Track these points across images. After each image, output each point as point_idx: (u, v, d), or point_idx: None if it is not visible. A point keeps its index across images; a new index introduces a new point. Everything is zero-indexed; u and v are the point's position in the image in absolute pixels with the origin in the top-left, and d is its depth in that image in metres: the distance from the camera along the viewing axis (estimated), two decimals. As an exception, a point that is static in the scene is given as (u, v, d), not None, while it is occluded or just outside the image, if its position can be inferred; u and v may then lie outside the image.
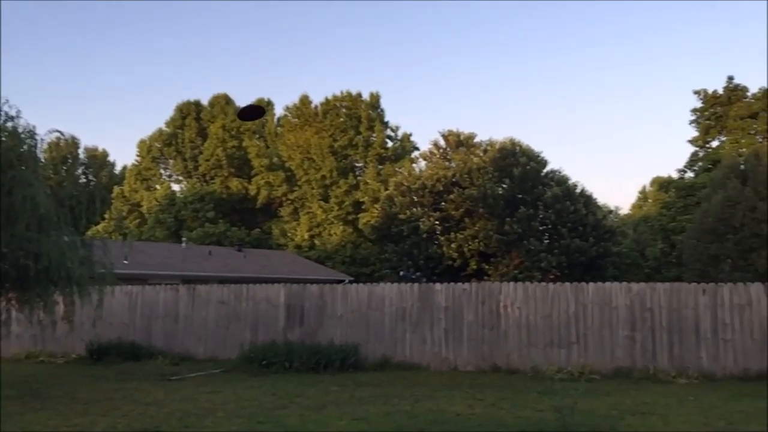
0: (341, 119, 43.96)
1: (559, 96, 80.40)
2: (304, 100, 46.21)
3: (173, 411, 10.16)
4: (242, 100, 61.47)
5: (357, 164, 44.26)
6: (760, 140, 33.42)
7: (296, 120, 46.10)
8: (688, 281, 17.42)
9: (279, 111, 51.10)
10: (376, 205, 36.54)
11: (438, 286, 16.74)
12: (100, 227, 38.50)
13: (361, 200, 41.25)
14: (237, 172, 48.45)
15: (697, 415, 9.84)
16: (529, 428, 8.51)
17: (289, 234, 43.50)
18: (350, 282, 25.45)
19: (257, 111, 8.02)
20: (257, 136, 49.53)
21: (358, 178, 43.30)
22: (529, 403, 10.83)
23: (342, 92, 44.95)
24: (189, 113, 50.68)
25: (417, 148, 44.73)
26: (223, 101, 50.75)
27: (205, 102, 51.56)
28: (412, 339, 16.27)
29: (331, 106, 44.81)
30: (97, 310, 12.70)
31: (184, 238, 36.90)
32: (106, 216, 42.78)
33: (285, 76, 79.06)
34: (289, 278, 26.50)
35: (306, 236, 42.07)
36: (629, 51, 73.68)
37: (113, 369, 15.58)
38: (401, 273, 30.96)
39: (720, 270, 23.99)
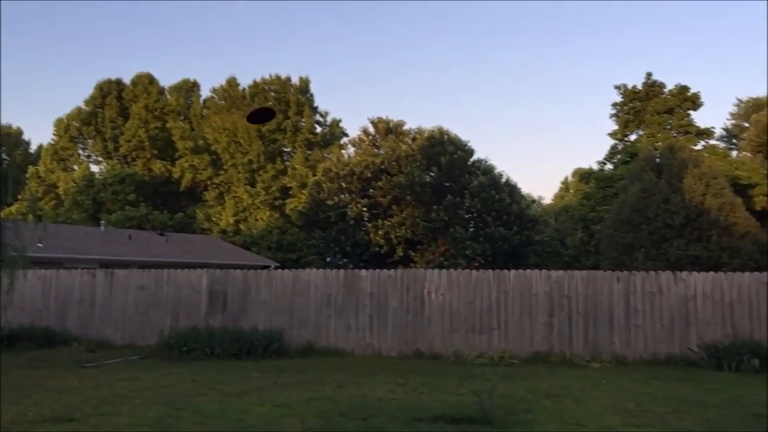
0: (269, 103, 43.31)
1: (487, 87, 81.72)
2: (232, 83, 45.30)
3: (88, 398, 9.80)
4: (166, 80, 59.73)
5: (285, 149, 43.76)
6: (675, 135, 34.91)
7: (223, 102, 45.17)
8: (605, 269, 18.08)
9: (205, 93, 49.96)
10: (303, 191, 36.30)
11: (364, 272, 16.76)
12: (13, 209, 36.72)
13: (288, 186, 40.86)
14: (160, 154, 47.10)
15: (608, 397, 10.21)
16: (448, 412, 8.62)
17: (213, 219, 42.67)
18: (276, 268, 25.23)
19: (267, 113, 7.42)
20: (182, 117, 48.27)
21: (286, 163, 42.85)
22: (450, 388, 11.00)
23: (271, 75, 44.34)
24: (110, 92, 48.83)
25: (346, 135, 44.62)
26: (146, 81, 49.11)
27: (127, 81, 49.80)
28: (336, 325, 16.26)
29: (259, 89, 44.11)
30: (8, 295, 12.10)
31: (102, 221, 35.65)
32: (20, 197, 40.84)
33: (212, 58, 77.27)
34: (213, 263, 26.00)
35: (231, 221, 41.37)
36: (555, 46, 75.55)
37: (25, 356, 14.93)
38: (328, 259, 30.86)
39: (634, 259, 25.01)
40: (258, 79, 44.34)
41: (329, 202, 31.01)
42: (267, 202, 41.14)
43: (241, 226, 40.95)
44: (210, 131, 44.47)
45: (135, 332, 16.95)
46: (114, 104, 48.18)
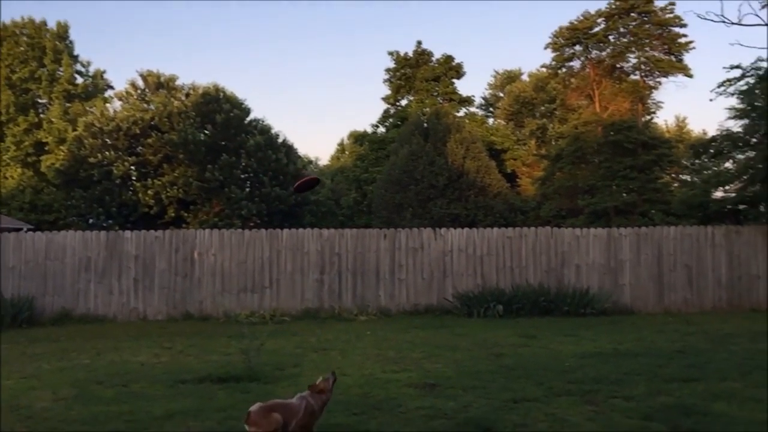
0: (21, 48, 38.67)
1: (265, 47, 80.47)
2: (-27, 22, 39.65)
3: None
4: None
5: (40, 100, 39.45)
6: (441, 102, 37.21)
7: (-38, 44, 39.42)
8: (377, 228, 18.93)
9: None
10: (62, 147, 33.08)
11: (128, 233, 15.85)
12: None
13: (44, 141, 37.01)
14: None
15: (372, 347, 10.76)
16: (215, 372, 8.50)
17: (-47, 176, 37.50)
18: (29, 231, 22.83)
19: (313, 182, 7.78)
20: None
21: (41, 116, 38.72)
22: (219, 348, 10.87)
23: (23, 18, 39.48)
24: None
25: (111, 87, 41.36)
26: None
27: None
28: (97, 290, 15.26)
29: (9, 32, 39.05)
30: None
31: None
32: None
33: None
34: (-50, 227, 22.88)
35: (-24, 179, 36.65)
36: (333, 9, 76.31)
37: None
38: (90, 221, 28.55)
39: (403, 217, 26.49)
40: (8, 21, 39.28)
41: (92, 160, 28.60)
42: (18, 159, 36.98)
43: (-12, 185, 36.45)
44: (-54, 76, 38.68)
45: None
46: None
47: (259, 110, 77.33)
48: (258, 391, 7.48)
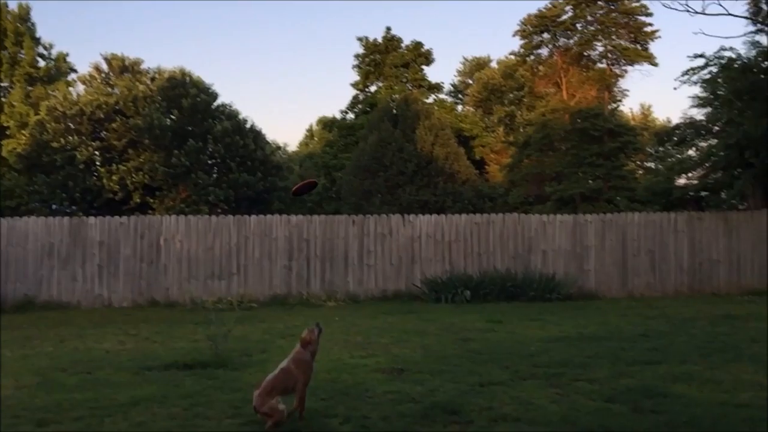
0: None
1: (231, 31, 79.46)
2: (-71, 2, 38.43)
3: None
4: None
5: (1, 84, 38.51)
6: (410, 88, 37.18)
7: None
8: (346, 214, 18.91)
9: None
10: (23, 131, 32.33)
11: (92, 219, 15.61)
12: None
13: (5, 125, 36.15)
14: None
15: (340, 333, 10.77)
16: (181, 358, 8.42)
17: None
18: (-11, 217, 22.33)
19: (311, 186, 7.74)
20: None
21: (2, 99, 37.78)
22: (185, 335, 10.79)
23: (-19, -2, 38.38)
24: None
25: (75, 71, 40.41)
26: None
27: None
28: (60, 277, 15.03)
29: (-34, 12, 38.03)
30: None
31: None
32: None
33: None
34: None
35: (-67, 164, 35.66)
36: (302, -8, 75.53)
37: None
38: (54, 207, 27.99)
39: (372, 204, 26.47)
40: (-35, 1, 38.13)
41: (55, 145, 27.99)
42: (-22, 143, 36.10)
43: (-54, 170, 35.50)
44: None
45: None
46: None
47: (226, 95, 76.60)
48: (225, 378, 7.45)
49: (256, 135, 31.07)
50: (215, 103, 30.94)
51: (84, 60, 73.07)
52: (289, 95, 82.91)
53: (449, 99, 43.22)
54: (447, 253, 16.46)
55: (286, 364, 5.79)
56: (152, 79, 32.48)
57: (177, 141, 28.01)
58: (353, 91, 39.03)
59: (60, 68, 40.32)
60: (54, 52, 40.84)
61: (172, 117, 28.93)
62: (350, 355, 8.84)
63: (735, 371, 7.44)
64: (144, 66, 34.48)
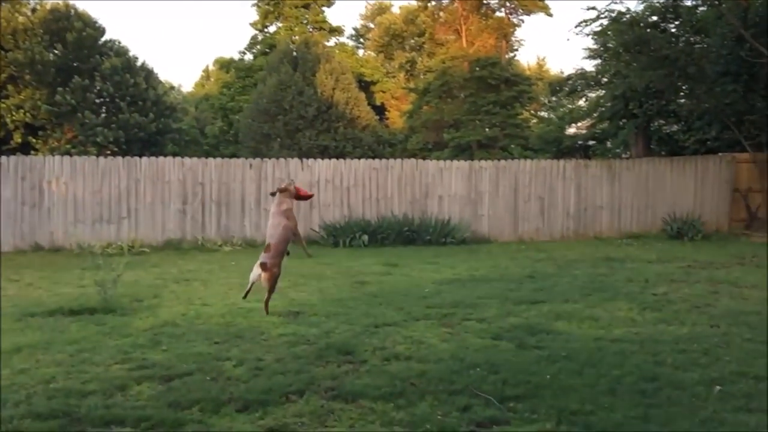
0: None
1: (122, -41, 74.32)
2: None
3: None
4: None
5: None
6: (311, 30, 36.40)
7: None
8: (244, 158, 18.49)
9: None
10: None
11: (-34, 159, 14.52)
12: None
13: None
14: None
15: (235, 277, 10.65)
16: (67, 304, 8.10)
17: None
18: None
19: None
20: None
21: None
22: (72, 281, 10.37)
23: None
24: None
25: (-59, -3, 37.03)
26: None
27: None
28: (-69, 220, 13.95)
29: None
30: None
31: None
32: None
33: None
34: None
35: None
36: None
37: None
38: None
39: (271, 148, 26.02)
40: None
41: None
42: None
43: None
44: None
45: None
46: None
47: (114, 32, 72.24)
48: (114, 323, 7.24)
49: (148, 74, 29.58)
50: (103, 39, 29.17)
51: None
52: (183, 33, 79.19)
53: (350, 43, 42.69)
54: (345, 198, 16.50)
55: (281, 221, 6.51)
56: (33, 11, 30.07)
57: (61, 78, 26.30)
58: (252, 31, 37.83)
59: (-76, -7, 36.64)
60: None
61: (56, 52, 27.05)
62: (246, 299, 8.78)
63: (611, 309, 7.98)
64: (23, -5, 31.84)
